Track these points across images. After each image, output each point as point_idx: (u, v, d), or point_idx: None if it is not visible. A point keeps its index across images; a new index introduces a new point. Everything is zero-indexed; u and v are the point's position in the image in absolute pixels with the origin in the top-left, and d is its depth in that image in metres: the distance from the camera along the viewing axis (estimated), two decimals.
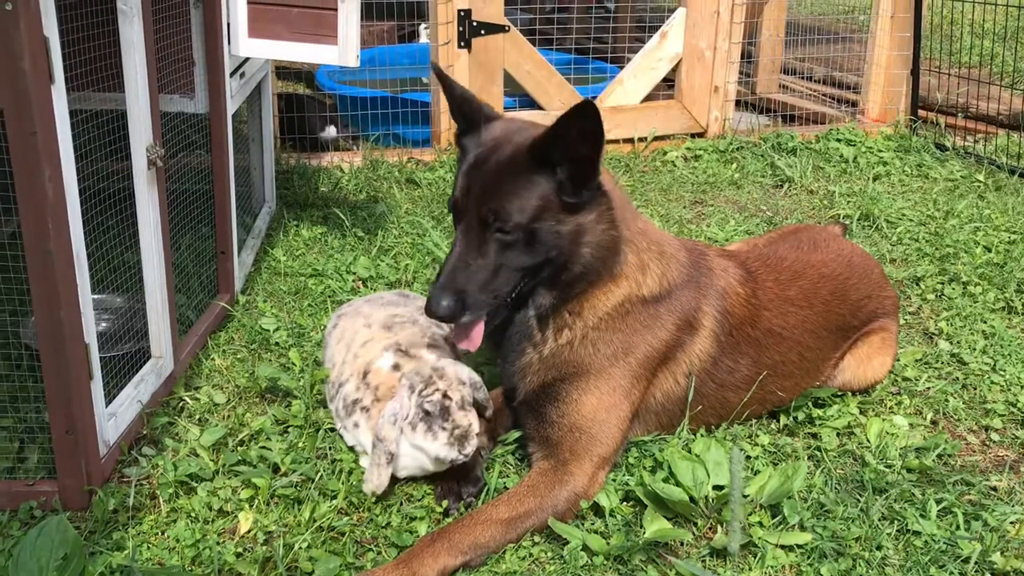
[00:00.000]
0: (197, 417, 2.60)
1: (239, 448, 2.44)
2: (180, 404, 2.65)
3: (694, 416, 2.50)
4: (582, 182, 2.15)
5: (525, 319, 2.32)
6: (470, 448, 2.18)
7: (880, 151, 5.35)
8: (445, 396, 2.19)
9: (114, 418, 2.34)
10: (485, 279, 2.16)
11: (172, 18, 2.85)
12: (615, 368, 2.32)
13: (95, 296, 2.26)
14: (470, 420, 2.19)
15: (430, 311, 2.13)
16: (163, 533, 2.14)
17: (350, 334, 2.60)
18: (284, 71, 6.86)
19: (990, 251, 3.87)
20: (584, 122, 2.05)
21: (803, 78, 6.81)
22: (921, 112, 5.73)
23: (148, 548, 2.08)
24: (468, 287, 2.14)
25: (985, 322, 3.28)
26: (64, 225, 2.01)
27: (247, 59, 3.51)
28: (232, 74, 3.26)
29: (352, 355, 2.50)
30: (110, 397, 2.36)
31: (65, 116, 2.00)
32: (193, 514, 2.19)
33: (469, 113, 2.31)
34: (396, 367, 2.36)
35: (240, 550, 2.08)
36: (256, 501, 2.23)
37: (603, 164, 2.19)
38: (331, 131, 5.18)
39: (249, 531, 2.14)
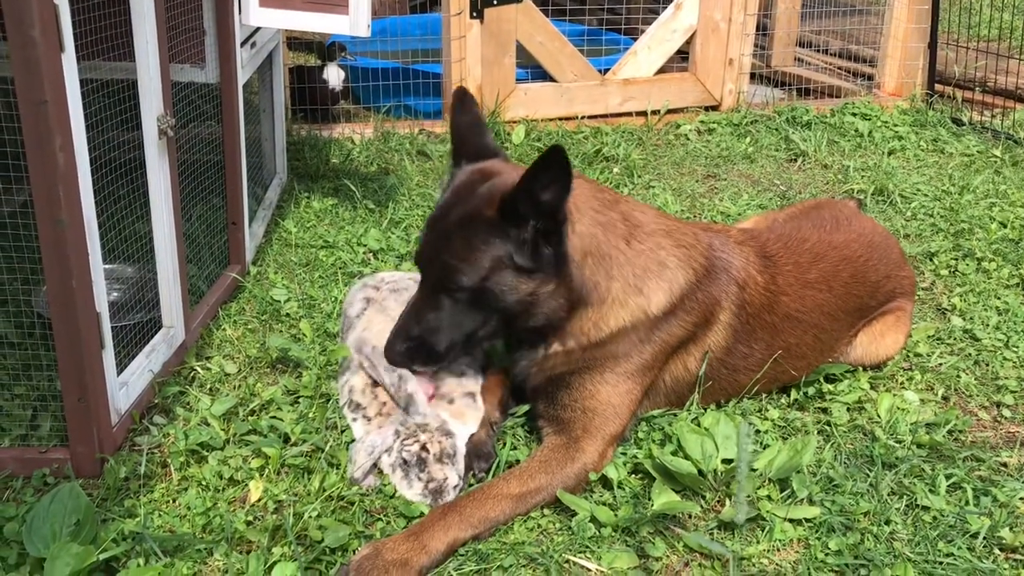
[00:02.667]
0: (208, 387, 2.61)
1: (250, 418, 2.45)
2: (191, 374, 2.66)
3: (704, 394, 2.50)
4: (547, 241, 2.15)
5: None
6: (446, 500, 2.16)
7: (896, 125, 5.29)
8: (423, 448, 2.20)
9: (125, 387, 2.36)
10: (436, 330, 2.25)
11: None
12: (628, 362, 2.32)
13: (106, 266, 2.27)
14: (446, 474, 2.18)
15: (387, 356, 2.26)
16: (174, 501, 2.16)
17: (376, 329, 2.59)
18: (296, 42, 6.82)
19: (1005, 227, 3.83)
20: (550, 172, 2.03)
21: (819, 51, 6.74)
22: (938, 86, 5.66)
23: (159, 515, 2.10)
24: (422, 337, 2.26)
25: (999, 298, 3.25)
26: (75, 194, 2.01)
27: (258, 29, 3.49)
28: (243, 44, 3.24)
29: (371, 348, 2.51)
30: (121, 366, 2.37)
31: (76, 85, 2.00)
32: (204, 483, 2.21)
33: (461, 146, 2.35)
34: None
35: (250, 518, 2.10)
36: (266, 470, 2.24)
37: (575, 225, 2.21)
38: (332, 73, 5.09)
39: (259, 500, 2.16)
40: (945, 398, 2.70)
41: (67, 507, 1.98)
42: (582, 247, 2.23)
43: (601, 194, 2.35)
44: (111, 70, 2.56)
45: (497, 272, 2.16)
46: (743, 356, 2.51)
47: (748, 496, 2.15)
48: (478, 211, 2.16)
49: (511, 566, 1.99)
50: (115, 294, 2.76)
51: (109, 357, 2.23)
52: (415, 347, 2.27)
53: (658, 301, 2.33)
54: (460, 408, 2.37)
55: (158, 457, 2.30)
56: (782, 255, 2.62)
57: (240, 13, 3.18)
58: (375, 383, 2.42)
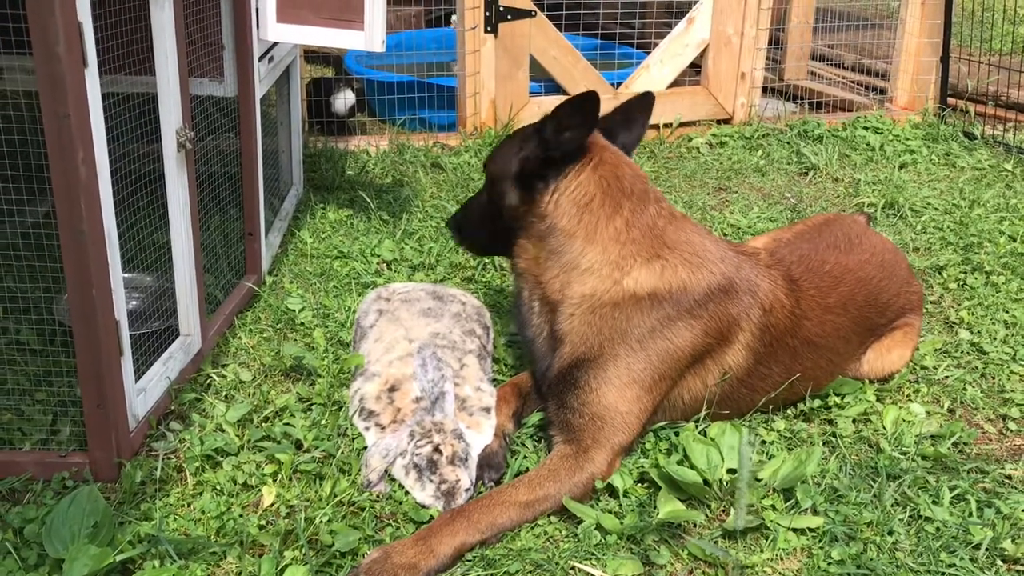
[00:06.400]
0: (223, 394, 2.66)
1: (264, 424, 2.50)
2: (207, 381, 2.71)
3: (719, 416, 2.51)
4: (549, 170, 2.38)
5: (519, 294, 2.55)
6: (458, 503, 2.19)
7: (907, 139, 5.31)
8: (436, 450, 2.24)
9: (143, 393, 2.41)
10: (466, 207, 2.72)
11: (202, 3, 2.90)
12: (632, 358, 2.32)
13: (126, 275, 2.33)
14: (458, 476, 2.22)
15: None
16: (189, 505, 2.21)
17: (389, 340, 2.63)
18: (313, 55, 6.90)
19: (1015, 240, 3.84)
20: (578, 112, 2.29)
21: (832, 65, 6.76)
22: (950, 100, 5.67)
23: (175, 519, 2.15)
24: (459, 212, 2.76)
25: (1007, 312, 3.27)
26: (96, 205, 2.07)
27: (276, 43, 3.55)
28: (261, 58, 3.31)
29: (388, 361, 2.56)
30: (139, 373, 2.42)
31: (98, 99, 2.06)
32: (218, 487, 2.26)
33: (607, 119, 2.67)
34: (418, 399, 2.42)
35: (263, 523, 2.14)
36: (279, 476, 2.29)
37: (580, 175, 2.38)
38: (339, 102, 5.16)
39: (272, 504, 2.20)
40: (951, 411, 2.72)
41: (85, 510, 2.03)
42: (573, 195, 2.37)
43: (637, 183, 2.52)
44: (132, 84, 2.62)
45: (503, 174, 2.45)
46: (762, 377, 2.52)
47: (752, 505, 2.18)
48: (527, 127, 2.44)
49: (517, 572, 2.02)
50: (134, 303, 2.82)
51: (127, 364, 2.28)
52: (454, 218, 2.73)
53: (643, 280, 2.34)
54: (477, 419, 2.42)
55: (174, 462, 2.35)
56: (806, 279, 2.61)
57: (258, 28, 3.25)
58: (392, 389, 2.46)
